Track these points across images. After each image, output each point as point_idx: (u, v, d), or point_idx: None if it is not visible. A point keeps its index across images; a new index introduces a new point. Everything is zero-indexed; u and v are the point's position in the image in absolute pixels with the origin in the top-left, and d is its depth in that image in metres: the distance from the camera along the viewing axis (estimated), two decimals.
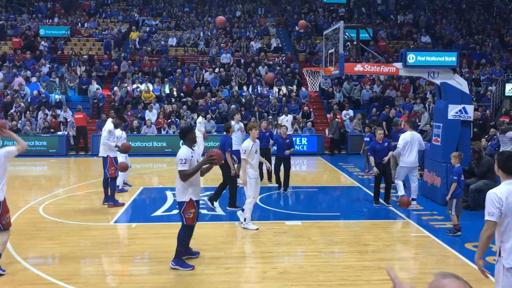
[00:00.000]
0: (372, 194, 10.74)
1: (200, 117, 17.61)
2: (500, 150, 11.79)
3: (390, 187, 10.51)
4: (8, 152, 6.30)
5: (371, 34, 15.54)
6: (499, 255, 4.29)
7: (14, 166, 16.64)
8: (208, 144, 17.57)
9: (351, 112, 20.50)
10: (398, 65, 10.66)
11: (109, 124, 10.21)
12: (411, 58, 10.49)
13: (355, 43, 11.66)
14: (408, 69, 10.71)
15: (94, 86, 21.31)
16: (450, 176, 9.23)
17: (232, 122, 12.01)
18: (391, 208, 10.19)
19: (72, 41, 27.15)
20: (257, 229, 8.39)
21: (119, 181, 10.96)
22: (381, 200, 10.51)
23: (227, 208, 9.85)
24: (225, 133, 10.10)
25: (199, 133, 17.22)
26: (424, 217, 9.50)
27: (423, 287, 3.70)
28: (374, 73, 11.94)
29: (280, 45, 27.27)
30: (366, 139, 14.04)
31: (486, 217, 4.29)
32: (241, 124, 12.61)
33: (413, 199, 10.19)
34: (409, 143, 10.25)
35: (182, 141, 6.87)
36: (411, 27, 29.47)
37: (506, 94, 22.18)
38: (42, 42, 26.05)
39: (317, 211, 9.72)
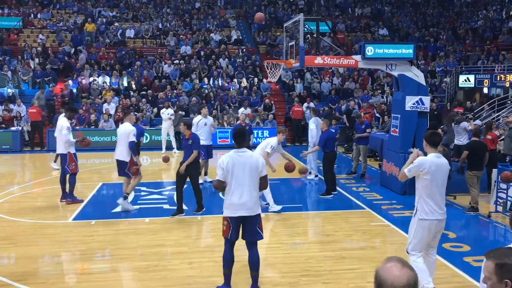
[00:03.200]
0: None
1: (170, 109, 17.43)
2: (455, 140, 12.20)
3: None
4: None
5: (330, 27, 15.67)
6: (416, 210, 5.38)
7: None
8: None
9: (311, 104, 20.64)
10: (357, 57, 10.83)
11: (63, 120, 9.86)
12: (370, 50, 10.67)
13: (314, 35, 11.73)
14: (367, 62, 10.89)
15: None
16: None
17: (199, 117, 11.90)
18: (352, 198, 10.37)
19: (24, 32, 26.14)
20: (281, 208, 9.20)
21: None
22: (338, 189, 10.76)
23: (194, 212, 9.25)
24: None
25: (166, 124, 17.06)
26: (384, 206, 9.73)
27: None
28: (334, 65, 12.10)
29: (240, 37, 27.17)
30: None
31: (404, 170, 5.37)
32: (210, 119, 12.38)
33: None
34: None
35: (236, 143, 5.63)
36: (369, 20, 29.96)
37: (459, 86, 22.99)
38: None
39: (279, 203, 9.76)
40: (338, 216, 9.10)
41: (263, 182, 5.55)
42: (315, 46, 11.80)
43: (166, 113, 17.26)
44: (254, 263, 5.53)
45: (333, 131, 11.43)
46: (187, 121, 9.68)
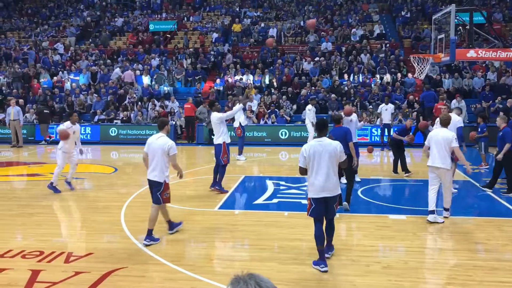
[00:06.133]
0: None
1: (310, 105, 17.49)
2: None
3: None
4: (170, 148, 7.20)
5: (485, 17, 14.37)
6: None
7: (127, 154, 17.99)
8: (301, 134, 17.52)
9: (463, 102, 19.01)
10: None
11: (216, 114, 10.61)
12: None
13: (467, 27, 10.88)
14: None
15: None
16: None
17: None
18: (504, 203, 9.42)
19: (178, 34, 28.51)
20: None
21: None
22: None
23: (341, 205, 8.81)
24: (334, 124, 9.07)
25: (308, 121, 17.24)
26: None
27: None
28: (490, 59, 11.09)
29: (383, 32, 26.30)
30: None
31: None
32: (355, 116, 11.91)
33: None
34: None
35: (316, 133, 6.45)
36: None
37: None
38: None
39: (421, 205, 9.25)
40: (490, 223, 8.33)
41: (343, 164, 6.36)
42: (467, 39, 10.94)
43: (307, 109, 17.40)
44: (330, 232, 6.53)
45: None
46: None
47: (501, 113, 11.15)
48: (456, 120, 9.99)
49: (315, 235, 6.22)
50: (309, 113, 17.21)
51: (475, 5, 24.29)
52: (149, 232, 7.32)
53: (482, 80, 20.58)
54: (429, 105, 18.14)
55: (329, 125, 6.81)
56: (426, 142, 8.50)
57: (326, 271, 6.09)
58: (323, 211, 6.21)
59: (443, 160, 8.11)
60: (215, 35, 27.12)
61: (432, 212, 8.24)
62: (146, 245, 7.15)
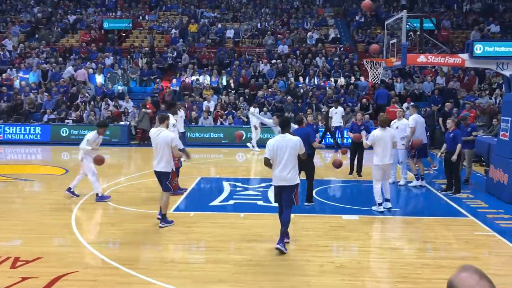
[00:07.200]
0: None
1: (252, 108, 17.84)
2: None
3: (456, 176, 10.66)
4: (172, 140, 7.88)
5: (434, 23, 14.93)
6: None
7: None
8: (265, 135, 17.63)
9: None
10: (464, 56, 10.21)
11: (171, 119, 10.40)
12: (479, 48, 10.01)
13: (418, 33, 11.25)
14: (475, 60, 10.24)
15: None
16: None
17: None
18: (454, 205, 9.82)
19: (134, 33, 28.00)
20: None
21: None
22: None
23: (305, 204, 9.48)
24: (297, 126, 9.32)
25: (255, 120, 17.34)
26: (489, 215, 9.07)
27: None
28: (438, 64, 11.49)
29: (338, 36, 26.82)
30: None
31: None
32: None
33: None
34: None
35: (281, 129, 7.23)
36: (477, 16, 28.05)
37: None
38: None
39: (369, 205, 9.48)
40: (438, 222, 8.65)
41: (303, 155, 7.16)
42: (418, 44, 11.31)
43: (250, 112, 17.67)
44: (285, 221, 6.99)
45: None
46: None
47: (452, 117, 11.60)
48: (409, 121, 11.13)
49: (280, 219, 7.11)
50: (252, 117, 17.22)
51: (425, 12, 25.15)
52: (163, 217, 8.14)
53: (432, 85, 21.35)
54: (382, 102, 19.31)
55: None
56: (368, 142, 9.20)
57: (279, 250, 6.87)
58: (280, 197, 7.00)
59: (389, 157, 9.09)
60: (174, 31, 26.79)
61: (381, 204, 9.08)
62: (161, 227, 7.99)
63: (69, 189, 10.17)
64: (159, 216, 8.28)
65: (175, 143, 8.01)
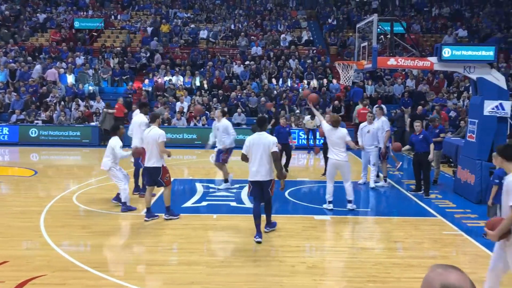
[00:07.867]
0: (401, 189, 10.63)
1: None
2: None
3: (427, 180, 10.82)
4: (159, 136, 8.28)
5: (404, 27, 15.22)
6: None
7: (48, 156, 17.13)
8: (239, 136, 17.60)
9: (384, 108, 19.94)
10: (433, 59, 10.43)
11: (141, 116, 10.20)
12: (447, 52, 10.24)
13: (388, 36, 11.45)
14: (443, 64, 10.46)
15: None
16: (490, 179, 8.86)
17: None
18: (423, 205, 10.03)
19: (105, 33, 27.60)
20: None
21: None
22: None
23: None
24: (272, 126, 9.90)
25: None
26: (457, 215, 9.30)
27: None
28: (408, 67, 11.72)
29: (311, 38, 27.05)
30: None
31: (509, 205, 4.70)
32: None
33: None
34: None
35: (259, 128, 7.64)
36: (446, 21, 28.73)
37: None
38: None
39: (345, 206, 9.61)
40: (407, 222, 8.82)
41: (275, 156, 7.34)
42: (388, 47, 11.51)
43: None
44: (267, 212, 7.72)
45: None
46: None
47: (418, 120, 11.84)
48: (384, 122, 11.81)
49: (253, 212, 7.50)
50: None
51: (396, 16, 25.64)
52: (168, 208, 8.53)
53: (402, 87, 21.76)
54: (357, 100, 19.86)
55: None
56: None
57: (259, 242, 7.27)
58: (259, 192, 7.42)
59: (341, 155, 9.21)
60: (149, 29, 26.53)
61: (331, 202, 9.41)
62: (166, 219, 8.40)
63: (125, 207, 9.15)
64: (148, 215, 8.52)
65: (162, 139, 8.36)
